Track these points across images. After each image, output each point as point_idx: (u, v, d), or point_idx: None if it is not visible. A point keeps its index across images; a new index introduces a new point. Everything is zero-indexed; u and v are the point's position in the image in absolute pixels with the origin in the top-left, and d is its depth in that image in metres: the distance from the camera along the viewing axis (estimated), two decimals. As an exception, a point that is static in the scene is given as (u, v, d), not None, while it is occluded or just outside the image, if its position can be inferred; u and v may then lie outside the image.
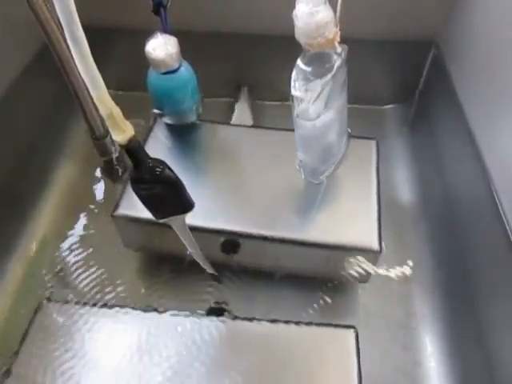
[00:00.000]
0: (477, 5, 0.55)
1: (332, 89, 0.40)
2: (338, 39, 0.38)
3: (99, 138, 0.52)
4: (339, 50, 0.38)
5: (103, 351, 0.42)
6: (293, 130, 0.45)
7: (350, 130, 0.50)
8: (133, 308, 0.50)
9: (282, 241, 0.47)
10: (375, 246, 0.46)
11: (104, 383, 0.40)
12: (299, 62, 0.40)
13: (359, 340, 0.42)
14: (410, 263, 0.57)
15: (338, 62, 0.39)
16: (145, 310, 0.46)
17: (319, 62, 0.39)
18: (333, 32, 0.37)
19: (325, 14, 0.36)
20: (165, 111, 0.54)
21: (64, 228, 0.60)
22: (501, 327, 0.44)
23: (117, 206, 0.49)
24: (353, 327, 0.43)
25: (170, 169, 0.31)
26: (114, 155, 0.56)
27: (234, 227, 0.48)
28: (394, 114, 0.75)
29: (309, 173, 0.49)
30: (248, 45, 0.69)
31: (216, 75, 0.72)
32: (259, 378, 0.40)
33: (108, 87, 0.26)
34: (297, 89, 0.40)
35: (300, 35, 0.37)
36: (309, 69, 0.39)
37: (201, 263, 0.42)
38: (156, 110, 0.55)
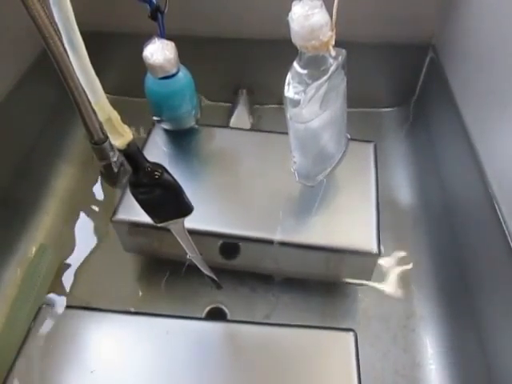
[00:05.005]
0: (474, 8, 0.56)
1: (327, 92, 0.40)
2: (333, 42, 0.38)
3: (98, 142, 0.51)
4: (333, 53, 0.38)
5: (103, 356, 0.42)
6: (291, 134, 0.46)
7: (349, 136, 0.50)
8: (133, 312, 0.50)
9: (281, 244, 0.47)
10: (374, 248, 0.47)
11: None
12: (295, 64, 0.40)
13: (359, 342, 0.42)
14: (410, 265, 0.57)
15: (333, 65, 0.39)
16: (144, 314, 0.45)
17: (315, 64, 0.39)
18: (327, 35, 0.37)
19: (320, 17, 0.36)
20: (163, 116, 0.54)
21: (63, 232, 0.60)
22: (500, 329, 0.44)
23: (116, 211, 0.49)
24: (352, 330, 0.43)
25: (168, 173, 0.31)
26: (113, 160, 0.56)
27: (232, 231, 0.48)
28: (392, 116, 0.75)
29: (303, 175, 0.49)
30: (246, 49, 0.69)
31: (214, 79, 0.72)
32: (259, 381, 0.40)
33: (106, 92, 0.26)
34: (290, 91, 0.40)
35: (295, 38, 0.37)
36: (304, 71, 0.40)
37: (200, 267, 0.42)
38: (154, 116, 0.55)
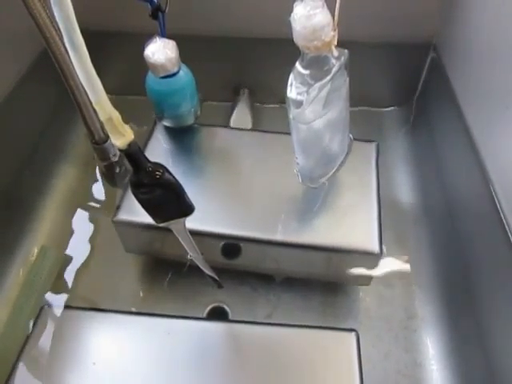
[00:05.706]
0: (475, 7, 0.55)
1: (330, 92, 0.40)
2: (335, 43, 0.38)
3: (99, 142, 0.51)
4: (336, 53, 0.38)
5: (105, 356, 0.42)
6: (292, 133, 0.45)
7: (351, 136, 0.50)
8: (134, 312, 0.50)
9: (283, 244, 0.47)
10: (376, 248, 0.46)
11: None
12: (297, 65, 0.40)
13: (361, 342, 0.42)
14: (411, 265, 0.57)
15: (336, 65, 0.39)
16: (146, 315, 0.45)
17: (317, 65, 0.39)
18: (330, 35, 0.37)
19: (322, 17, 0.36)
20: (163, 114, 0.55)
21: (64, 232, 0.60)
22: (502, 328, 0.43)
23: (117, 211, 0.49)
24: (354, 330, 0.43)
25: (169, 173, 0.31)
26: (114, 159, 0.56)
27: (234, 231, 0.48)
28: (394, 116, 0.75)
29: (306, 176, 0.49)
30: (247, 48, 0.69)
31: (215, 78, 0.72)
32: (260, 381, 0.40)
33: (107, 91, 0.26)
34: (293, 91, 0.40)
35: (297, 38, 0.37)
36: (307, 72, 0.39)
37: (201, 267, 0.42)
38: (155, 114, 0.55)
